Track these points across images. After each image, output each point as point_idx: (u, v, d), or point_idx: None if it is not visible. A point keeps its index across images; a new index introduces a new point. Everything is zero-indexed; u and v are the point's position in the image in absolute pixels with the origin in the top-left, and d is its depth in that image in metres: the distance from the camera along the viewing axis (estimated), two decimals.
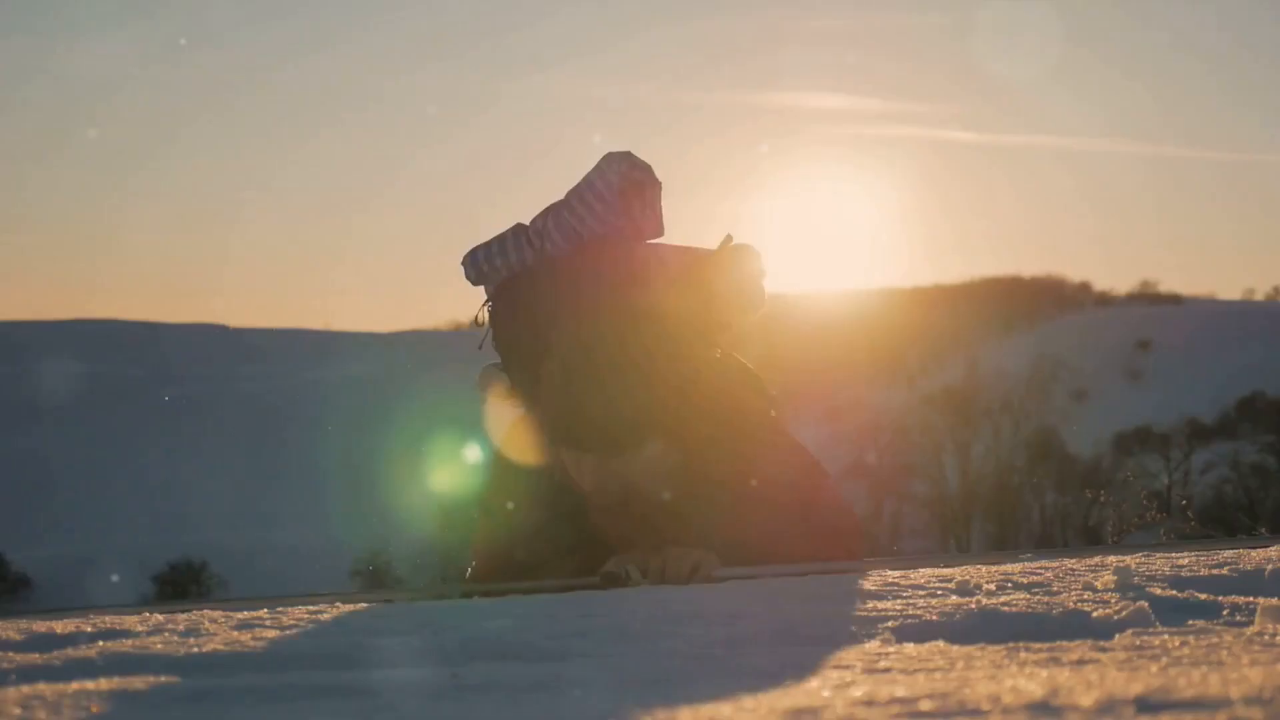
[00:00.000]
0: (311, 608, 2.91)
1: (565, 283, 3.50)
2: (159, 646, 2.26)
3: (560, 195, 3.77)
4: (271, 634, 2.43)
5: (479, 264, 3.67)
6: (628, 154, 3.66)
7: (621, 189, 3.61)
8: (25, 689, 1.89)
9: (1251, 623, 2.31)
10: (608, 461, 3.23)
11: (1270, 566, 3.01)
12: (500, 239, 3.67)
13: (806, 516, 3.42)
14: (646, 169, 3.65)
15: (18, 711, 1.73)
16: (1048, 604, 2.55)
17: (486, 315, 3.70)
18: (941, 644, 2.13)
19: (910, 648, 2.14)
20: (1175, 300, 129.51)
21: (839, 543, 3.46)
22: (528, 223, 3.68)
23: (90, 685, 1.90)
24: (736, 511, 3.37)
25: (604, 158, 3.67)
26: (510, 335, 3.61)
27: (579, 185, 3.67)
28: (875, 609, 2.58)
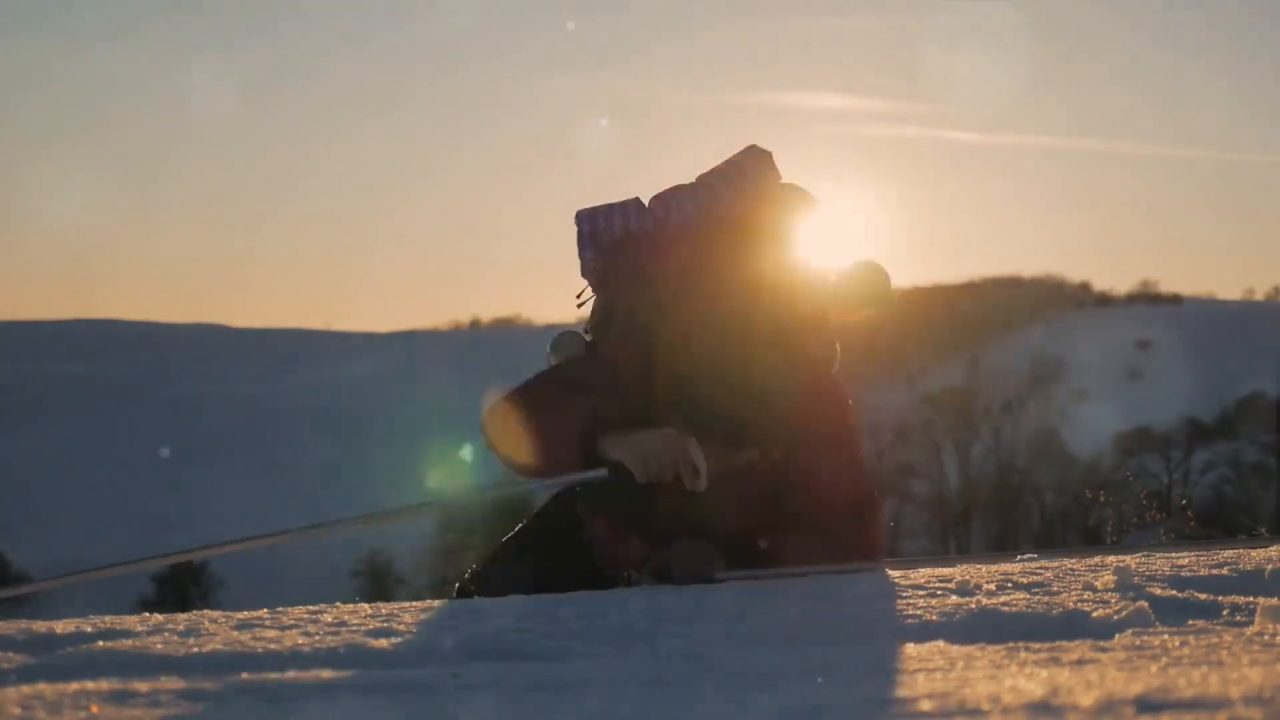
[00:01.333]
0: (311, 608, 2.91)
1: (699, 254, 3.51)
2: (159, 646, 2.26)
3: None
4: (271, 634, 2.43)
5: (596, 220, 3.65)
6: (770, 154, 3.71)
7: (762, 178, 3.66)
8: (25, 689, 1.89)
9: (1251, 623, 2.31)
10: (732, 452, 3.27)
11: (1270, 566, 3.01)
12: (619, 205, 3.69)
13: (847, 544, 3.38)
14: (797, 188, 3.70)
15: (18, 711, 1.73)
16: (1048, 604, 2.55)
17: (590, 273, 3.66)
18: (941, 644, 2.13)
19: (910, 648, 2.14)
20: (1175, 300, 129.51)
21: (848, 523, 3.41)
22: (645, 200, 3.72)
23: (90, 685, 1.90)
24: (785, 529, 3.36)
25: (749, 147, 3.71)
26: (627, 294, 3.56)
27: (721, 167, 3.71)
28: (875, 609, 2.58)
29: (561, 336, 3.78)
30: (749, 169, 3.69)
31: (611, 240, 3.67)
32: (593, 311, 3.72)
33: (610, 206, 3.70)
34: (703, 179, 3.71)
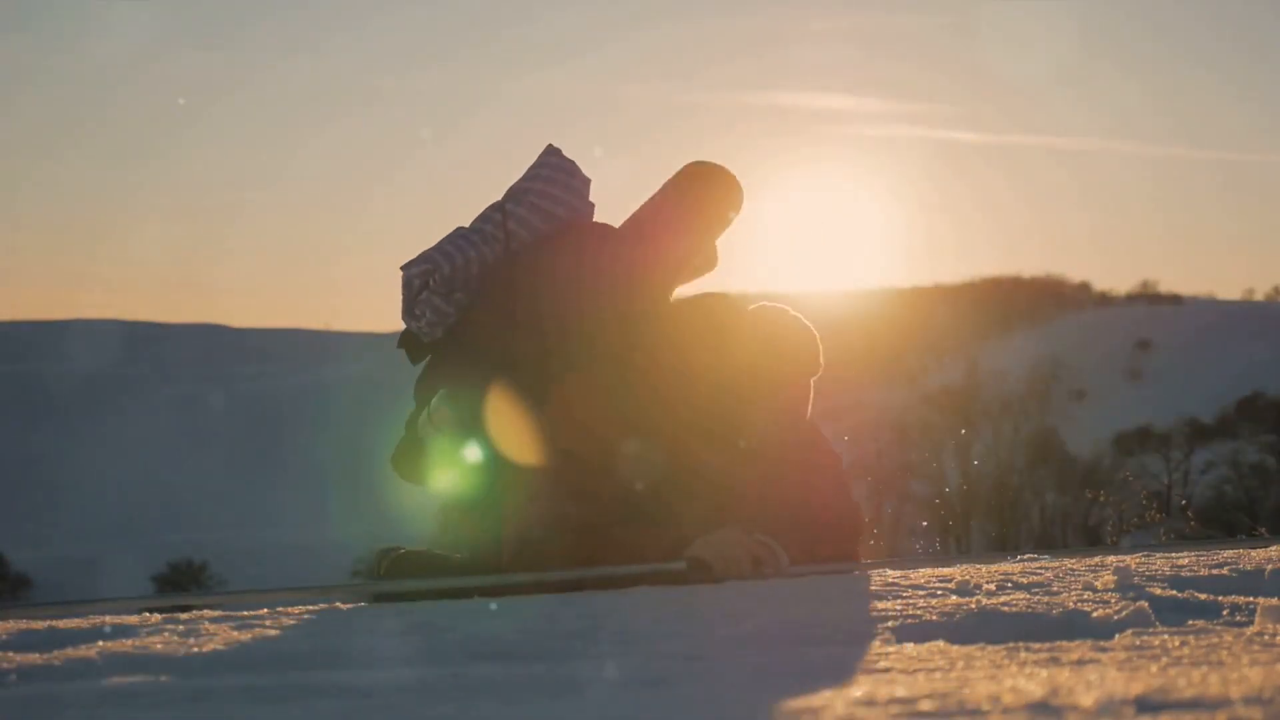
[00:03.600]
0: (311, 607, 2.91)
1: (572, 274, 3.54)
2: (159, 646, 2.26)
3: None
4: (272, 634, 2.43)
5: (453, 260, 3.58)
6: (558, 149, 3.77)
7: (577, 173, 3.74)
8: (25, 689, 1.89)
9: (1251, 623, 2.31)
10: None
11: (1270, 566, 3.02)
12: (452, 240, 3.64)
13: (799, 516, 3.41)
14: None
15: (18, 712, 1.73)
16: (1048, 604, 2.54)
17: (430, 316, 3.62)
18: (941, 644, 2.13)
19: (910, 648, 2.14)
20: (1175, 300, 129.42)
21: (831, 542, 3.44)
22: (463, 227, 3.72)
23: (90, 685, 1.90)
24: (722, 504, 3.38)
25: (547, 149, 3.76)
26: (496, 332, 3.56)
27: (530, 175, 3.72)
28: (875, 609, 2.57)
29: (441, 399, 3.60)
30: (565, 167, 3.74)
31: (465, 280, 3.64)
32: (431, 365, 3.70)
33: (447, 246, 3.66)
34: (522, 187, 3.72)
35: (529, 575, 3.27)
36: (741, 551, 3.21)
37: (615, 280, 3.54)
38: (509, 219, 3.63)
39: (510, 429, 3.49)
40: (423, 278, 3.58)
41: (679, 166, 3.75)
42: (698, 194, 3.67)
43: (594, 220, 3.76)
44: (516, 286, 3.58)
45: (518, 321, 3.54)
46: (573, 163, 3.75)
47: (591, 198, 3.77)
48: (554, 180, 3.69)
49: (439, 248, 3.63)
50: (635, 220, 3.72)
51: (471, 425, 3.49)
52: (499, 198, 3.73)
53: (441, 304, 3.59)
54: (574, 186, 3.71)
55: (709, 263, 3.73)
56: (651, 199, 3.73)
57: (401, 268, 3.61)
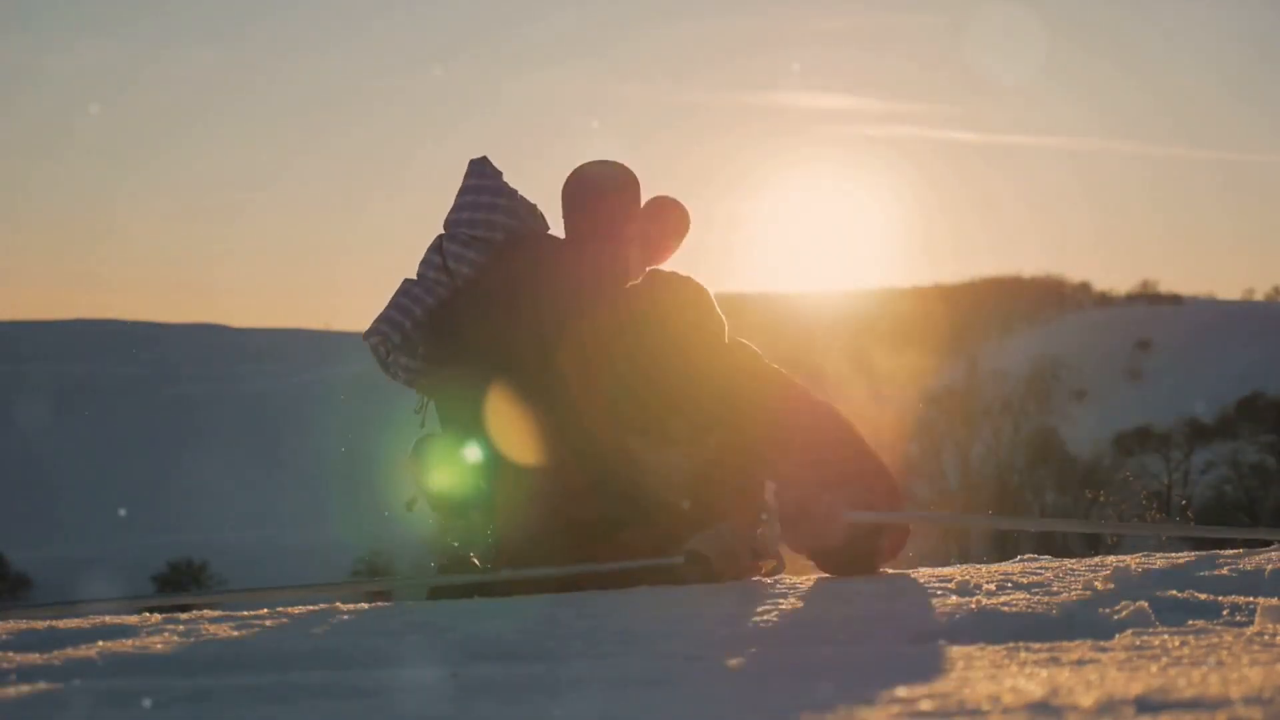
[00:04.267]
0: (311, 607, 2.91)
1: (552, 289, 3.56)
2: (159, 646, 2.26)
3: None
4: (271, 634, 2.43)
5: (403, 325, 3.65)
6: (484, 158, 3.79)
7: (503, 189, 3.74)
8: (25, 689, 1.89)
9: (1251, 623, 2.31)
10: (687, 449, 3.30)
11: (1270, 566, 3.02)
12: (401, 297, 3.70)
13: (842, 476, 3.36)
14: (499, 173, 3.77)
15: (18, 711, 1.73)
16: (1048, 604, 2.55)
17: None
18: (942, 644, 2.13)
19: (910, 648, 2.14)
20: (1175, 300, 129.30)
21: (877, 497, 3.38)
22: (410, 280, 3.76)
23: (90, 685, 1.90)
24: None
25: (470, 166, 3.77)
26: (496, 343, 3.58)
27: (458, 205, 3.74)
28: (876, 609, 2.58)
29: (422, 442, 3.68)
30: (494, 184, 3.76)
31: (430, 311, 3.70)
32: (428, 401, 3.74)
33: (403, 303, 3.72)
34: (456, 216, 3.75)
35: (534, 572, 3.28)
36: (740, 546, 3.20)
37: (602, 284, 3.56)
38: (448, 259, 3.69)
39: (509, 429, 3.49)
40: (384, 346, 3.67)
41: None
42: (665, 225, 3.71)
43: (540, 232, 3.78)
44: (510, 289, 3.59)
45: (518, 323, 3.55)
46: (497, 177, 3.76)
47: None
48: (480, 205, 3.72)
49: (389, 310, 3.74)
50: (598, 235, 3.71)
51: (470, 426, 3.51)
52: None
53: (408, 361, 3.71)
54: (502, 205, 3.72)
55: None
56: (598, 215, 3.72)
57: (363, 338, 3.69)
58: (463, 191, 3.77)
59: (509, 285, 3.60)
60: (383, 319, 3.71)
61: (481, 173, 3.76)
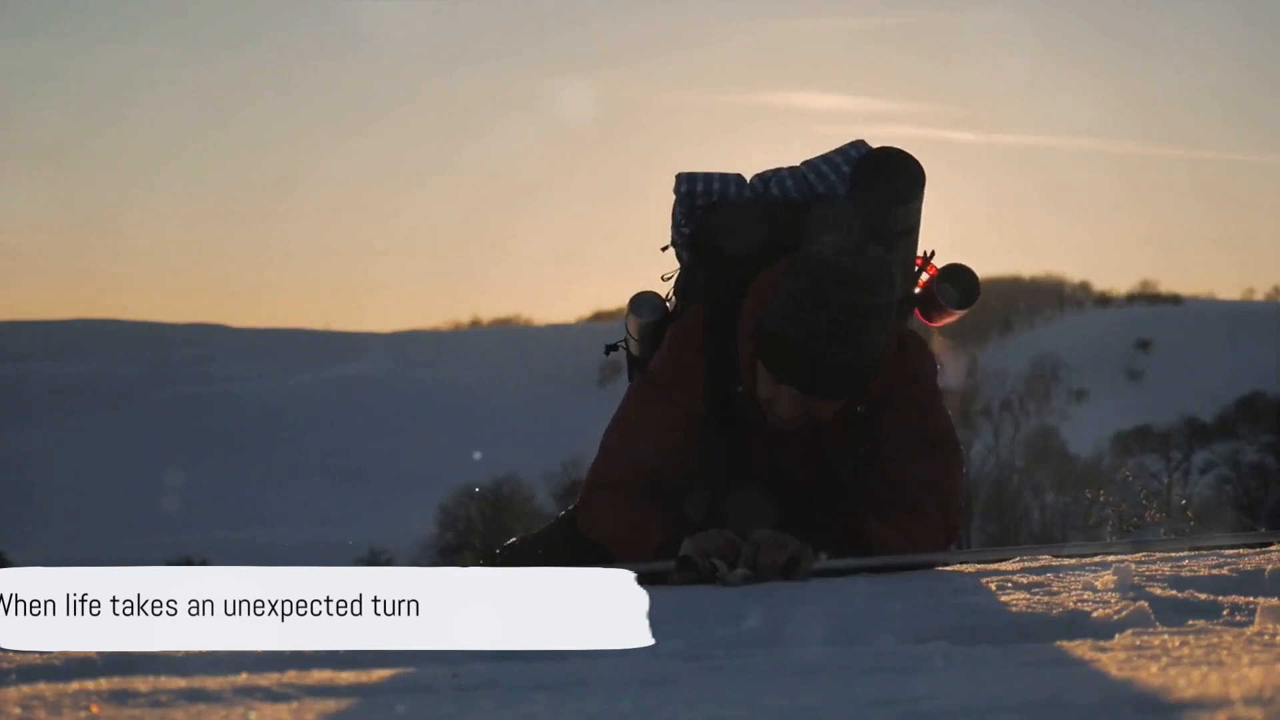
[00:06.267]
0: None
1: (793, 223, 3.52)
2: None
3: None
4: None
5: (695, 182, 3.66)
6: (886, 148, 3.71)
7: (863, 165, 3.66)
8: (25, 689, 1.89)
9: (1251, 623, 2.31)
10: (816, 400, 3.23)
11: (1270, 566, 3.02)
12: (719, 176, 3.69)
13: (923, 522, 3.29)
14: (905, 159, 3.68)
15: (18, 711, 1.73)
16: (1048, 604, 2.55)
17: (678, 232, 3.68)
18: (942, 644, 2.13)
19: (910, 648, 2.14)
20: (1175, 300, 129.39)
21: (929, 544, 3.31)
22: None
23: (90, 685, 1.90)
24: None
25: (856, 141, 3.72)
26: (723, 239, 3.56)
27: (821, 156, 3.71)
28: (876, 609, 2.58)
29: (640, 296, 3.74)
30: (851, 158, 3.68)
31: (706, 203, 3.67)
32: (678, 273, 3.73)
33: (711, 174, 3.71)
34: (806, 162, 3.71)
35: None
36: (730, 550, 3.14)
37: None
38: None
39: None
40: (687, 191, 3.68)
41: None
42: None
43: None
44: None
45: None
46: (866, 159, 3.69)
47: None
48: (832, 163, 3.72)
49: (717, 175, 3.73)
50: None
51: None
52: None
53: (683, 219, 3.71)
54: (842, 178, 3.70)
55: None
56: None
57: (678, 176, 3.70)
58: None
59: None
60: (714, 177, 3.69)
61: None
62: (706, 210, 3.67)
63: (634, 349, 3.79)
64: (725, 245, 3.58)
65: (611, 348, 3.92)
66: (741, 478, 3.40)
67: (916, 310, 3.80)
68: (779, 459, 3.41)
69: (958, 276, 3.72)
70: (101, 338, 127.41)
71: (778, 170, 3.72)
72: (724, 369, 3.39)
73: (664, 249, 3.76)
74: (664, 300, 3.76)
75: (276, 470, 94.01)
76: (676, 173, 3.72)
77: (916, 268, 3.77)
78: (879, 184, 3.64)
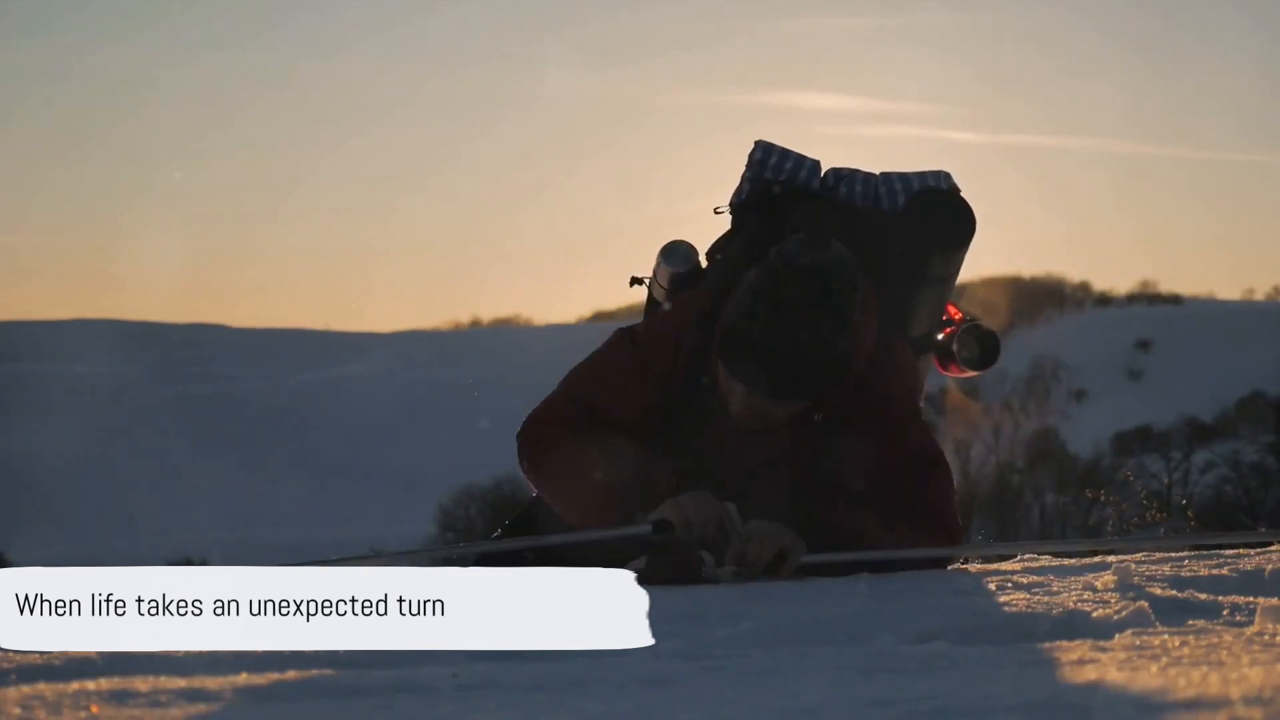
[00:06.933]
0: None
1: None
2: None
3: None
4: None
5: (769, 156, 3.64)
6: (949, 193, 3.63)
7: (919, 199, 3.61)
8: (25, 689, 1.89)
9: (1251, 623, 2.31)
10: (764, 400, 3.15)
11: (1270, 566, 3.02)
12: (795, 157, 3.66)
13: (899, 512, 3.26)
14: (957, 210, 3.61)
15: (18, 712, 1.73)
16: (1047, 604, 2.55)
17: (738, 197, 3.66)
18: (942, 644, 2.13)
19: (910, 648, 2.14)
20: (1175, 300, 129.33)
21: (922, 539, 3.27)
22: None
23: (90, 685, 1.90)
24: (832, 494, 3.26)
25: (938, 171, 3.67)
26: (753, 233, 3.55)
27: (901, 174, 3.67)
28: (875, 609, 2.58)
29: (674, 244, 3.67)
30: (929, 184, 3.64)
31: (773, 179, 3.65)
32: (726, 235, 3.69)
33: (789, 152, 3.69)
34: (885, 174, 3.69)
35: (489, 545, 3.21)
36: (710, 513, 3.10)
37: None
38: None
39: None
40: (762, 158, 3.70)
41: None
42: None
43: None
44: None
45: None
46: (931, 192, 3.65)
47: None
48: (899, 183, 3.71)
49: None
50: None
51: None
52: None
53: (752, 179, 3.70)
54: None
55: None
56: None
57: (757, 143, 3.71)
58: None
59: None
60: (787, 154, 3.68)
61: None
62: (785, 201, 3.61)
63: (658, 294, 3.74)
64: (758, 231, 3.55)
65: (637, 281, 3.82)
66: (695, 465, 3.30)
67: (935, 359, 3.75)
68: (732, 457, 3.32)
69: (980, 337, 3.66)
70: (101, 338, 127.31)
71: (854, 172, 3.68)
72: (706, 355, 3.33)
73: (717, 210, 3.72)
74: (697, 253, 3.69)
75: (276, 470, 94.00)
76: (756, 139, 3.69)
77: (945, 317, 3.72)
78: (925, 224, 3.57)
